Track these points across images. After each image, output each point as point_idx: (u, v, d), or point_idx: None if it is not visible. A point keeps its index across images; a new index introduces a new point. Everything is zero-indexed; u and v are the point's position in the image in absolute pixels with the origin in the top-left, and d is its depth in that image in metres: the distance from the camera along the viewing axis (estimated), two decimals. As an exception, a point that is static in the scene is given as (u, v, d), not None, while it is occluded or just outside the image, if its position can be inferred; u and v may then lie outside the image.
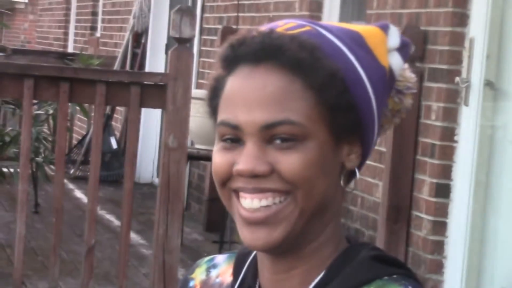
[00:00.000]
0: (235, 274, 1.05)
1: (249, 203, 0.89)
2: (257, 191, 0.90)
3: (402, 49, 0.99)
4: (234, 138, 0.91)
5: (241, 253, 1.05)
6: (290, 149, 0.90)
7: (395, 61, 0.99)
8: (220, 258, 1.13)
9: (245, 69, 0.91)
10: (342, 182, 0.95)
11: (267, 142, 0.90)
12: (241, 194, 0.90)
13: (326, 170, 0.93)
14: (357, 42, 0.96)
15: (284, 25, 0.94)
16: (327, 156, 0.92)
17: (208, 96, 0.96)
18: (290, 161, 0.90)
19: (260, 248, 0.94)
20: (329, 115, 0.91)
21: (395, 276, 0.93)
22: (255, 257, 1.00)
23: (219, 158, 0.93)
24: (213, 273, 1.13)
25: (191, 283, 1.15)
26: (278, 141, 0.90)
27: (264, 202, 0.89)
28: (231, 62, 0.92)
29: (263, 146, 0.90)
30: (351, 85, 0.93)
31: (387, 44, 0.98)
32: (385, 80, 0.97)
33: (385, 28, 0.99)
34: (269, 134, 0.89)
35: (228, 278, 1.08)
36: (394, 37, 0.99)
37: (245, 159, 0.88)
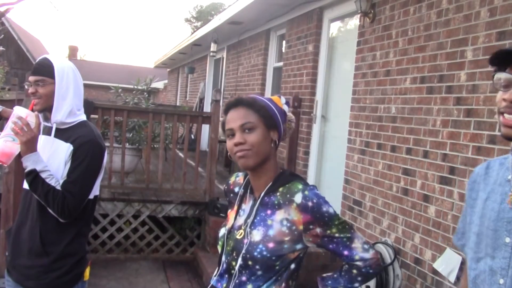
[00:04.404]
0: (244, 178, 1.68)
1: (239, 153, 1.55)
2: (240, 150, 1.54)
3: (287, 103, 1.68)
4: (231, 134, 1.57)
5: (246, 173, 1.70)
6: (250, 133, 1.55)
7: (285, 108, 1.65)
8: (240, 174, 1.75)
9: (232, 108, 1.61)
10: (272, 145, 1.58)
11: (242, 131, 1.57)
12: (237, 152, 1.55)
13: (265, 141, 1.57)
14: (271, 100, 1.64)
15: (247, 96, 1.54)
16: (265, 135, 1.57)
17: (222, 122, 1.61)
18: (251, 138, 1.56)
19: (245, 167, 1.58)
20: (264, 121, 1.57)
21: (298, 180, 1.56)
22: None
23: (228, 142, 1.57)
24: (237, 178, 1.79)
25: (230, 182, 1.79)
26: (246, 130, 1.56)
27: (243, 153, 1.56)
28: (228, 107, 1.61)
29: (241, 133, 1.56)
30: (271, 112, 1.61)
31: (281, 101, 1.64)
32: (284, 113, 1.63)
33: (280, 96, 1.67)
34: (243, 128, 1.55)
35: (242, 180, 1.74)
36: (283, 99, 1.67)
37: (236, 138, 1.56)
